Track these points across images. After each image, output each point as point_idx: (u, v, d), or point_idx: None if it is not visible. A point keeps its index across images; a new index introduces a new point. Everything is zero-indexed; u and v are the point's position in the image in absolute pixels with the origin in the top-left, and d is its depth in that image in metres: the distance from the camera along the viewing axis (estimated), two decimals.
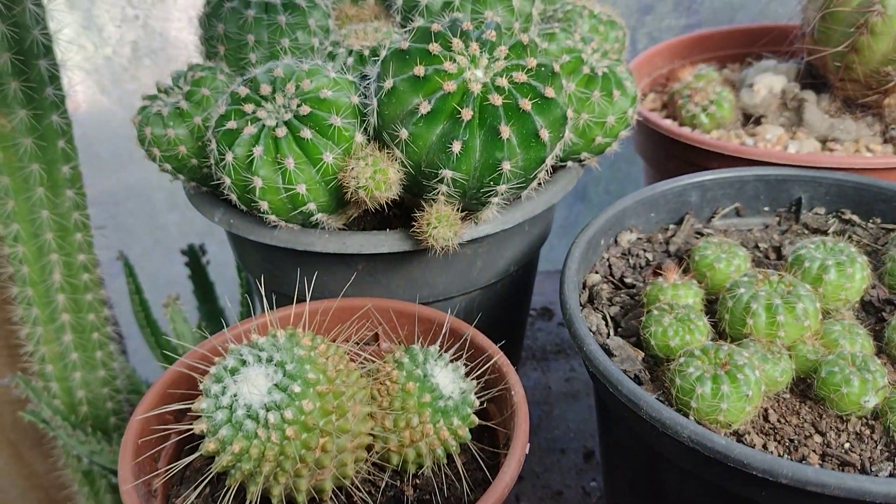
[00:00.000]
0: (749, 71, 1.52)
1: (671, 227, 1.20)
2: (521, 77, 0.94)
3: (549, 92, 0.95)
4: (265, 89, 0.99)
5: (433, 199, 0.98)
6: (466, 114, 0.91)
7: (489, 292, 1.19)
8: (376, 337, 1.06)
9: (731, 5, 1.71)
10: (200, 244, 1.86)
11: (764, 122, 1.45)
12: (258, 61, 1.13)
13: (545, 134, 0.94)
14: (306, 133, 0.95)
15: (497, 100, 0.92)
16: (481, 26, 1.01)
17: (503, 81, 0.94)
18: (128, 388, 1.63)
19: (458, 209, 1.00)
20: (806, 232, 1.19)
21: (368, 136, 0.98)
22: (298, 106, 0.96)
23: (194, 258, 1.81)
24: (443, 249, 0.99)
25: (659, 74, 1.63)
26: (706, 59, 1.69)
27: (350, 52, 1.10)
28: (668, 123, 1.34)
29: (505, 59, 0.96)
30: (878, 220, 1.16)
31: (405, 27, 1.17)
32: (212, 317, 1.86)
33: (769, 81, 1.44)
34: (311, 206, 0.99)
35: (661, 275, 1.03)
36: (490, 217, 1.04)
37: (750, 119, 1.46)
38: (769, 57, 1.55)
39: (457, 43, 0.95)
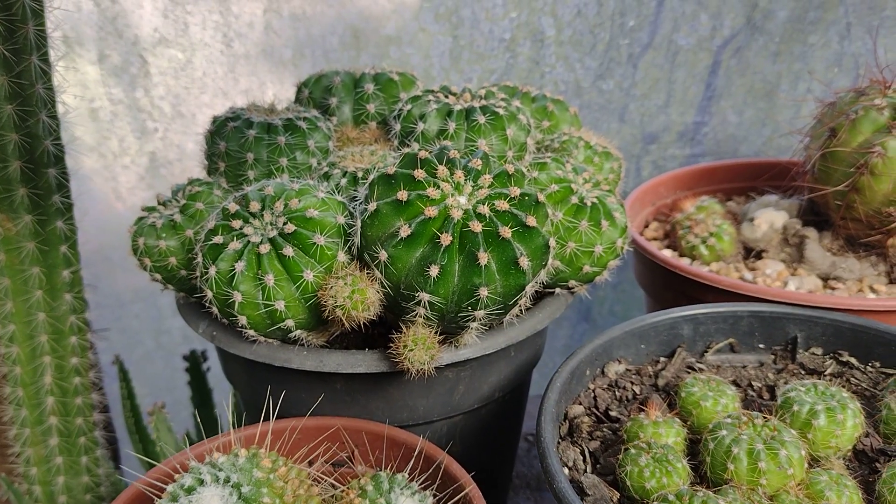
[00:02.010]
0: (751, 205, 1.53)
1: (662, 359, 1.18)
2: (502, 205, 0.95)
3: (531, 221, 0.95)
4: (255, 206, 1.01)
5: (411, 321, 0.97)
6: (445, 239, 0.91)
7: (473, 417, 1.17)
8: (351, 458, 1.03)
9: (734, 137, 1.74)
10: (202, 350, 1.86)
11: (765, 256, 1.44)
12: (256, 178, 1.16)
13: (525, 262, 0.94)
14: (288, 251, 0.96)
15: (477, 226, 0.92)
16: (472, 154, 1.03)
17: (485, 209, 0.95)
18: (111, 496, 1.60)
19: (436, 332, 0.99)
20: (802, 372, 1.15)
21: (352, 255, 0.99)
22: (284, 224, 0.98)
23: (195, 364, 1.81)
24: (419, 373, 0.97)
25: (662, 204, 1.64)
26: (711, 191, 1.71)
27: (344, 174, 1.13)
28: (665, 254, 1.34)
29: (489, 187, 0.98)
30: (878, 364, 1.13)
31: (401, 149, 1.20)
32: (208, 424, 1.84)
33: (770, 216, 1.44)
34: (290, 323, 0.99)
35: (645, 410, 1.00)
36: (470, 341, 1.02)
37: (751, 253, 1.46)
38: (772, 192, 1.55)
39: (442, 170, 0.97)
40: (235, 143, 1.17)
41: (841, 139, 1.33)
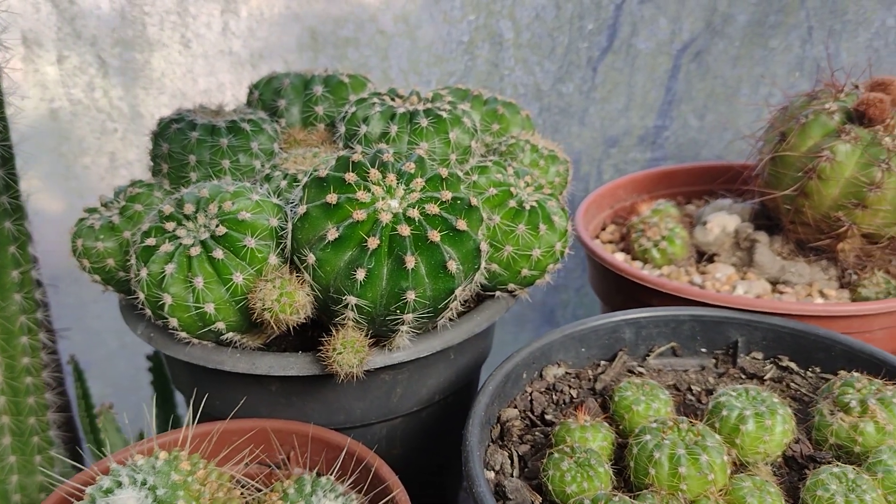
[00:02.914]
0: (705, 208, 1.53)
1: (603, 363, 1.18)
2: (433, 209, 0.95)
3: (461, 224, 0.96)
4: (189, 209, 1.01)
5: (342, 324, 0.98)
6: (372, 242, 0.92)
7: (414, 420, 1.17)
8: (287, 461, 1.03)
9: (695, 141, 1.74)
10: None
11: (717, 260, 1.44)
12: (198, 180, 1.16)
13: (453, 265, 0.94)
14: (218, 253, 0.96)
15: (405, 230, 0.93)
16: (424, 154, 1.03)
17: (415, 212, 0.95)
18: None
19: (367, 335, 0.99)
20: (743, 376, 1.16)
21: (285, 258, 0.99)
22: (217, 226, 0.98)
23: (158, 364, 1.81)
24: (347, 376, 0.97)
25: (621, 206, 1.64)
26: (670, 194, 1.71)
27: (285, 176, 1.13)
28: (614, 258, 1.34)
29: (421, 190, 0.98)
30: (817, 369, 1.13)
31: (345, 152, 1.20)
32: (173, 424, 1.84)
33: (723, 220, 1.44)
34: (220, 325, 0.99)
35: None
36: (403, 344, 1.02)
37: (703, 257, 1.46)
38: (726, 195, 1.56)
39: (374, 173, 0.97)
40: (178, 144, 1.17)
41: (790, 143, 1.33)
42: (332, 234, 0.92)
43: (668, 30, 1.63)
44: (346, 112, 1.21)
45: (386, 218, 0.93)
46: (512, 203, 1.10)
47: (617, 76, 1.68)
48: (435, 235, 0.93)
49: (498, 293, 1.16)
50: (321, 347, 0.99)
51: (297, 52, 1.55)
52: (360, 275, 0.91)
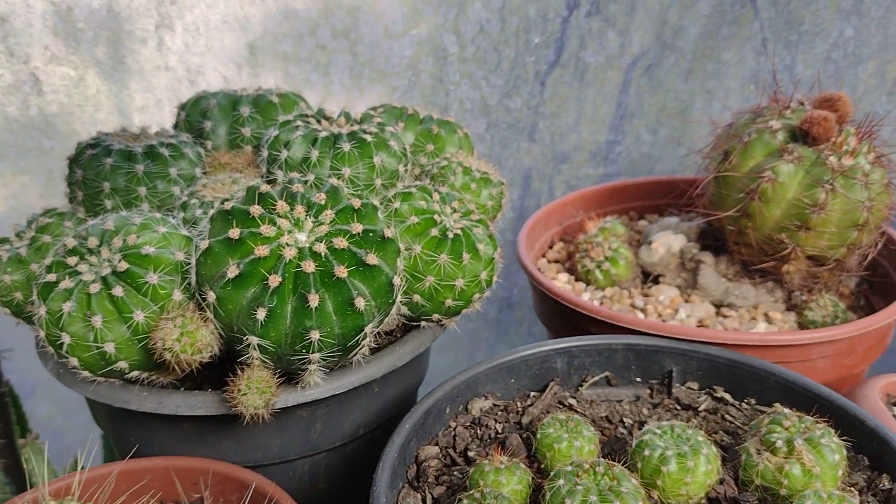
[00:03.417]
0: (653, 227, 1.49)
1: (533, 394, 1.14)
2: (341, 243, 0.91)
3: (372, 259, 0.92)
4: (92, 242, 0.98)
5: (248, 363, 0.94)
6: (273, 280, 0.88)
7: (338, 454, 1.13)
8: (202, 500, 1.00)
9: (648, 157, 1.70)
10: None
11: (662, 281, 1.40)
12: (114, 208, 1.12)
13: (361, 303, 0.90)
14: (118, 290, 0.92)
15: (309, 266, 0.89)
16: (339, 182, 1.00)
17: (321, 247, 0.91)
18: None
19: (276, 373, 0.95)
20: (678, 407, 1.12)
21: (191, 293, 0.96)
22: (119, 261, 0.94)
23: None
24: (253, 417, 0.94)
25: (571, 223, 1.61)
26: (623, 209, 1.67)
27: (202, 204, 1.09)
28: (551, 282, 1.30)
29: (330, 223, 0.94)
30: (753, 401, 1.10)
31: (268, 179, 1.17)
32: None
33: (668, 240, 1.41)
34: (123, 365, 0.95)
35: (503, 451, 0.97)
36: (316, 381, 0.99)
37: (649, 277, 1.42)
38: (675, 213, 1.52)
39: (280, 205, 0.94)
40: (93, 171, 1.13)
41: (733, 163, 1.30)
42: (233, 272, 0.89)
43: (617, 43, 1.59)
44: (269, 135, 1.17)
45: (290, 254, 0.90)
46: (434, 232, 1.06)
47: (566, 91, 1.64)
48: (342, 271, 0.90)
49: (423, 323, 1.13)
50: (225, 387, 0.95)
51: (235, 69, 1.51)
52: (261, 314, 0.88)
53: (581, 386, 1.16)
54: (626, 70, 1.63)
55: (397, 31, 1.52)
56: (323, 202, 0.96)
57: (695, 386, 1.14)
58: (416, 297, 1.07)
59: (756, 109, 1.36)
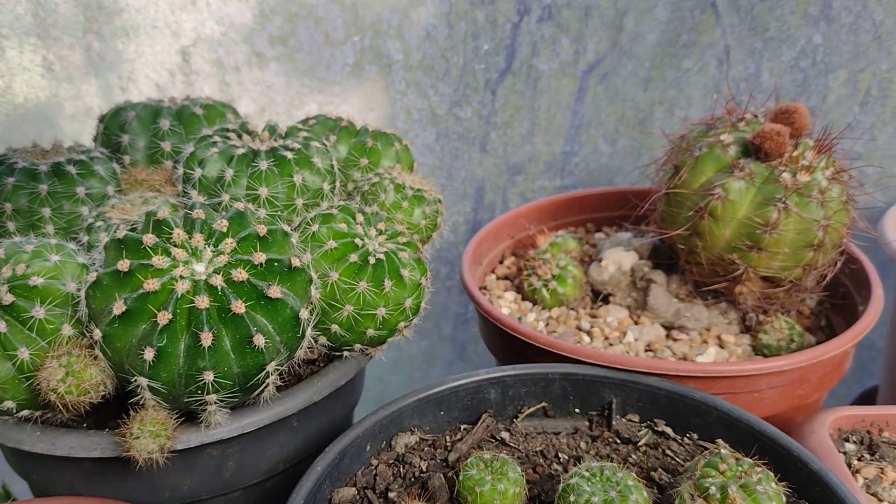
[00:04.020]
0: (605, 242, 1.43)
1: (465, 427, 1.08)
2: (240, 275, 0.85)
3: (274, 292, 0.85)
4: None
5: (142, 404, 0.87)
6: (162, 317, 0.81)
7: (257, 491, 1.07)
8: None
9: (607, 168, 1.64)
10: None
11: (612, 301, 1.34)
12: (18, 231, 1.05)
13: (260, 340, 0.84)
14: (1, 326, 0.85)
15: (203, 302, 0.82)
16: (247, 205, 0.93)
17: (218, 280, 0.84)
18: None
19: (175, 413, 0.89)
20: (617, 441, 1.06)
21: (83, 327, 0.89)
22: (5, 294, 0.87)
23: None
24: (147, 462, 0.87)
25: (524, 236, 1.54)
26: (580, 221, 1.61)
27: (107, 227, 1.02)
28: (490, 304, 1.24)
29: (231, 253, 0.88)
30: (695, 436, 1.03)
31: (183, 196, 1.10)
32: None
33: (618, 257, 1.34)
34: (10, 404, 0.89)
35: (424, 493, 0.90)
36: (218, 421, 0.92)
37: (599, 296, 1.36)
38: (628, 228, 1.46)
39: (178, 234, 0.87)
40: None
41: (683, 178, 1.23)
42: (119, 308, 0.82)
43: (571, 50, 1.52)
44: (185, 152, 1.10)
45: (182, 288, 0.83)
46: (353, 257, 0.99)
47: (518, 99, 1.57)
48: (239, 306, 0.83)
49: (346, 353, 1.06)
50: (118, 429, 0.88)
51: (168, 76, 1.44)
52: (149, 354, 0.81)
53: (517, 417, 1.09)
54: (582, 78, 1.56)
55: (338, 37, 1.45)
56: (224, 229, 0.89)
57: (636, 418, 1.08)
58: (335, 328, 1.01)
59: (709, 121, 1.29)
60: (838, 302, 1.34)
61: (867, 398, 1.71)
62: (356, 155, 1.23)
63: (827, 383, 1.16)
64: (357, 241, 1.02)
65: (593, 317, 1.31)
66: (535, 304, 1.36)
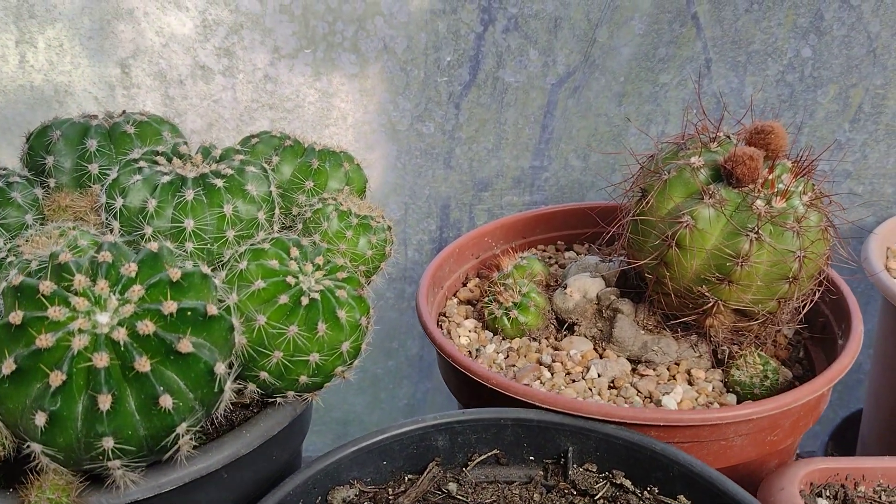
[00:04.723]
0: (571, 266, 1.35)
1: (409, 477, 1.00)
2: (146, 328, 0.77)
3: (185, 346, 0.77)
4: None
5: (41, 469, 0.79)
6: (55, 378, 0.73)
7: None
8: None
9: (579, 184, 1.56)
10: None
11: (577, 331, 1.26)
12: None
13: (167, 401, 0.76)
14: None
15: (102, 360, 0.74)
16: (164, 244, 0.85)
17: (121, 334, 0.76)
18: None
19: (80, 475, 0.81)
20: (574, 493, 0.98)
21: None
22: None
23: None
24: None
25: (489, 256, 1.46)
26: (550, 239, 1.53)
27: (19, 264, 0.93)
28: (443, 338, 1.16)
29: (138, 301, 0.79)
30: (656, 490, 0.96)
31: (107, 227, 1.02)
32: None
33: (584, 284, 1.27)
34: None
35: None
36: (128, 484, 0.84)
37: (564, 325, 1.28)
38: (596, 251, 1.38)
39: (79, 280, 0.79)
40: None
41: (650, 204, 1.15)
42: (8, 367, 0.74)
43: (539, 62, 1.44)
44: (109, 178, 1.02)
45: (79, 343, 0.75)
46: (283, 299, 0.91)
47: (484, 113, 1.49)
48: (143, 364, 0.75)
49: (279, 400, 0.98)
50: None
51: (108, 90, 1.35)
52: (41, 419, 0.73)
53: (467, 466, 1.02)
54: (551, 91, 1.47)
55: (288, 50, 1.36)
56: (133, 274, 0.81)
57: (593, 468, 1.00)
58: (264, 375, 0.93)
59: (679, 140, 1.21)
60: (817, 335, 1.26)
61: (851, 423, 1.64)
62: (300, 177, 1.15)
63: (801, 427, 1.09)
64: (289, 279, 0.94)
65: (556, 349, 1.23)
66: (495, 333, 1.28)
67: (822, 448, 1.55)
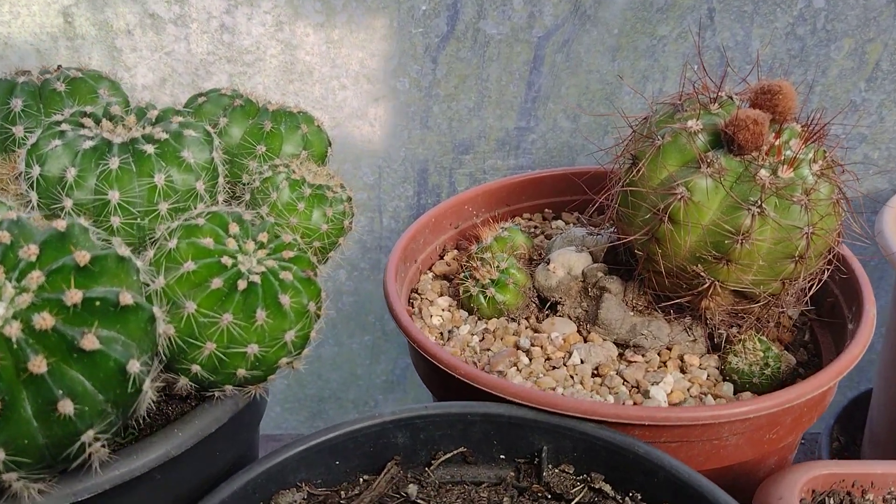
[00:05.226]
0: (556, 239, 1.24)
1: (365, 478, 0.90)
2: (44, 321, 0.66)
3: (90, 342, 0.66)
4: None
5: None
6: None
7: None
8: None
9: (569, 146, 1.43)
10: None
11: (561, 310, 1.15)
12: None
13: (67, 407, 0.65)
14: None
15: None
16: (76, 221, 0.74)
17: (14, 329, 0.65)
18: None
19: None
20: (548, 496, 0.89)
21: None
22: None
23: None
24: None
25: (470, 225, 1.35)
26: (537, 207, 1.41)
27: None
28: (410, 321, 1.05)
29: (37, 290, 0.68)
30: (638, 496, 0.86)
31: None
32: None
33: (568, 260, 1.15)
34: None
35: None
36: (34, 495, 0.74)
37: (547, 304, 1.17)
38: (581, 223, 1.26)
39: None
40: None
41: (641, 173, 1.04)
42: None
43: (524, 13, 1.30)
44: (28, 143, 0.90)
45: None
46: (216, 283, 0.80)
47: (464, 68, 1.36)
48: (39, 365, 0.64)
49: (217, 394, 0.88)
50: None
51: (50, 41, 1.22)
52: None
53: (430, 465, 0.92)
54: (537, 45, 1.34)
55: None
56: (33, 258, 0.70)
57: (570, 470, 0.90)
58: (196, 368, 0.82)
59: (676, 100, 1.09)
60: (825, 319, 1.15)
61: (858, 405, 1.54)
62: (251, 141, 1.03)
63: (805, 423, 0.98)
64: (225, 259, 0.83)
65: (536, 331, 1.12)
66: (470, 313, 1.17)
67: (827, 431, 1.45)
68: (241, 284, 0.81)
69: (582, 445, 0.89)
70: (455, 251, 1.34)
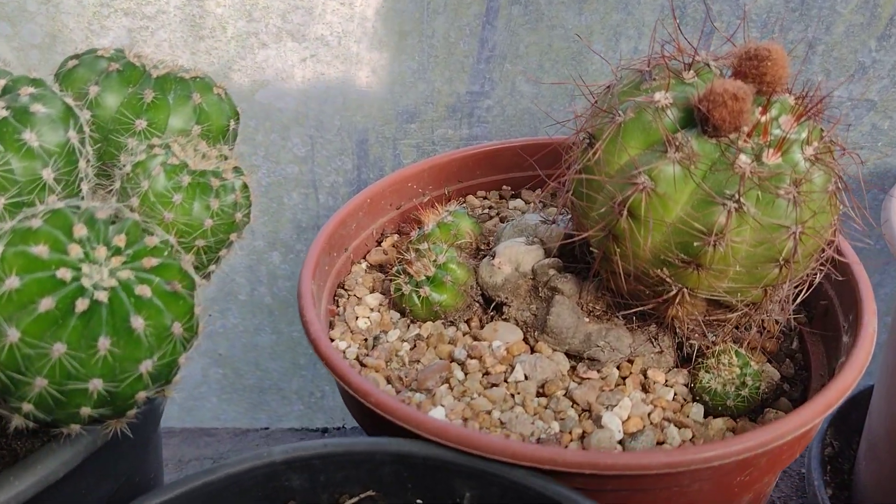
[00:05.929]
0: (505, 228, 1.07)
1: None
2: None
3: None
4: None
5: None
6: None
7: None
8: None
9: (530, 113, 1.25)
10: None
11: (507, 312, 0.99)
12: None
13: None
14: None
15: None
16: None
17: None
18: None
19: None
20: None
21: None
22: None
23: None
24: None
25: (413, 206, 1.18)
26: (494, 184, 1.25)
27: None
28: (317, 329, 0.88)
29: None
30: None
31: None
32: None
33: (516, 254, 0.99)
34: None
35: None
36: None
37: (492, 304, 1.01)
38: (543, 204, 1.09)
39: None
40: None
41: (598, 157, 0.86)
42: None
43: None
44: None
45: None
46: (46, 304, 0.64)
47: (405, 23, 1.17)
48: None
49: (66, 431, 0.72)
50: None
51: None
52: None
53: None
54: None
55: None
56: None
57: None
58: (28, 408, 0.66)
59: (643, 67, 0.91)
60: (817, 331, 0.99)
61: (855, 404, 1.39)
62: (129, 115, 0.86)
63: (784, 461, 0.83)
64: (62, 272, 0.66)
65: (476, 339, 0.96)
66: (403, 314, 1.01)
67: (819, 435, 1.30)
68: (81, 305, 0.65)
69: (511, 494, 0.73)
70: (395, 236, 1.17)
